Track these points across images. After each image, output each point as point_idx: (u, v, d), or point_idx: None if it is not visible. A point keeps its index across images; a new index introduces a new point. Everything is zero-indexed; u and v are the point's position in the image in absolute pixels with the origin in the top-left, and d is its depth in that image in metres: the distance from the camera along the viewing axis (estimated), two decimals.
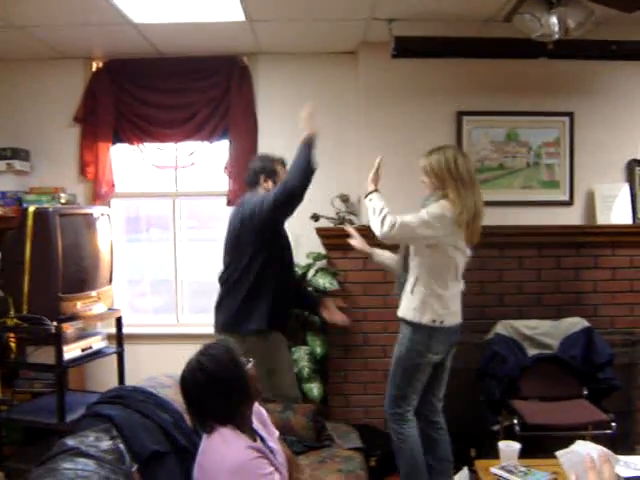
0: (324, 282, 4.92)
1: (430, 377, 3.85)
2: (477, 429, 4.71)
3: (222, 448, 2.48)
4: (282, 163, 4.22)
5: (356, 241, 4.31)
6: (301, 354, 4.89)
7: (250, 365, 2.62)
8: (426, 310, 3.72)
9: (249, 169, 4.29)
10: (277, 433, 2.92)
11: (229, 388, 2.53)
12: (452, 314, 3.82)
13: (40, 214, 4.28)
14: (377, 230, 3.67)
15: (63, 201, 5.16)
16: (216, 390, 2.51)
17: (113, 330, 4.95)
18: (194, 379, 2.55)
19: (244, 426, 2.59)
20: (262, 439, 2.71)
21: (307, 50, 5.31)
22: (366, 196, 3.85)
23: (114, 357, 4.88)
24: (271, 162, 4.20)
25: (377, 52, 4.93)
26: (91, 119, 5.35)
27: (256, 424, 2.73)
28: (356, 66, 5.25)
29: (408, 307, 3.79)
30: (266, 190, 4.12)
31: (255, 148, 5.33)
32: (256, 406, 2.75)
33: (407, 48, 4.61)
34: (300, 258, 5.16)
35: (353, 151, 5.29)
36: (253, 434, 2.65)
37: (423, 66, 5.03)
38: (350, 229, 4.42)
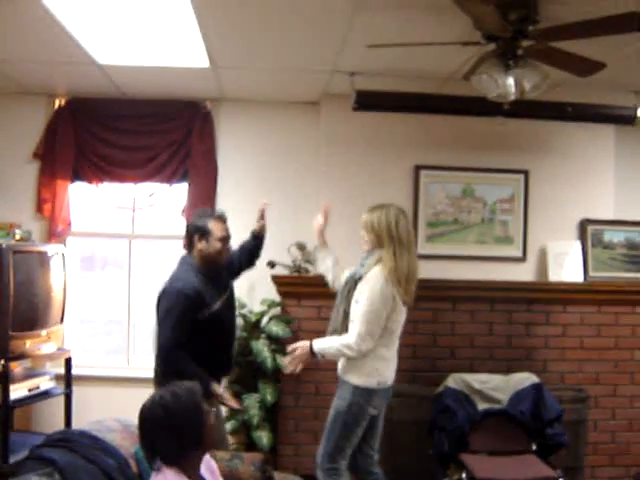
0: (277, 329, 4.91)
1: (365, 429, 3.83)
2: None
3: None
4: (219, 218, 3.89)
5: (318, 225, 4.34)
6: (252, 401, 4.86)
7: (211, 414, 2.60)
8: (372, 374, 3.71)
9: (185, 228, 3.97)
10: None
11: (183, 430, 2.50)
12: (392, 372, 3.84)
13: None
14: (353, 354, 3.68)
15: (18, 237, 5.10)
16: (169, 429, 2.48)
17: (62, 370, 4.87)
18: (151, 412, 2.52)
19: (191, 470, 2.56)
20: None
21: (270, 98, 5.38)
22: (313, 354, 3.75)
23: (62, 398, 4.80)
24: (205, 220, 3.83)
25: (339, 104, 5.00)
26: (50, 156, 5.32)
27: (204, 472, 2.70)
28: (318, 116, 5.33)
29: (352, 370, 3.75)
30: (200, 251, 3.80)
31: (214, 192, 5.36)
32: (206, 456, 2.72)
33: (368, 101, 4.69)
34: (255, 305, 5.16)
35: (312, 199, 5.32)
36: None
37: (383, 119, 5.11)
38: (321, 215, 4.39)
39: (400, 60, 4.32)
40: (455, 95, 4.62)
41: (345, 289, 3.82)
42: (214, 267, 3.85)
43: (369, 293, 3.64)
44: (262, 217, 4.29)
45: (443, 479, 4.57)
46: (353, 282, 3.77)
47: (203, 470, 2.68)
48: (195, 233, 3.81)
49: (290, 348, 3.79)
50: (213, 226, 3.80)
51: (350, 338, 3.63)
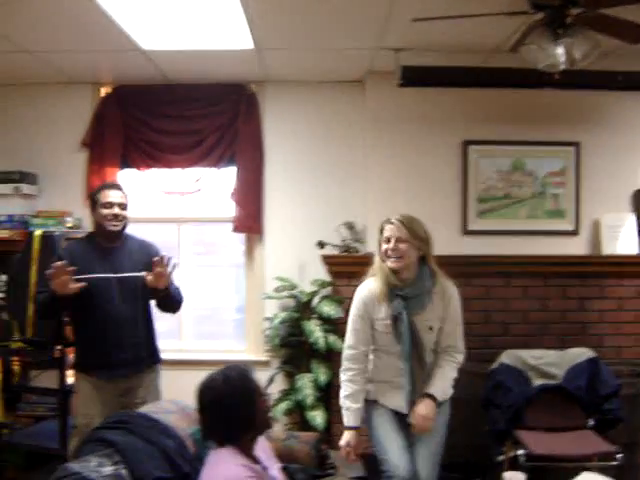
0: (329, 310, 4.91)
1: None
2: (481, 459, 4.67)
3: (218, 466, 2.50)
4: (108, 187, 4.00)
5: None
6: (305, 382, 4.87)
7: (266, 397, 2.61)
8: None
9: None
10: (278, 464, 2.90)
11: (232, 413, 2.52)
12: None
13: (46, 238, 4.31)
14: None
15: (69, 225, 5.17)
16: (220, 411, 2.53)
17: None
18: (204, 394, 2.59)
19: (245, 450, 2.58)
20: (264, 468, 2.69)
21: (315, 78, 5.35)
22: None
23: None
24: (96, 190, 4.00)
25: (384, 81, 4.96)
26: (99, 144, 5.38)
27: (258, 451, 2.71)
28: (363, 94, 5.28)
29: (447, 386, 3.56)
30: (93, 220, 4.00)
31: (261, 174, 5.37)
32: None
33: (414, 77, 4.63)
34: (305, 285, 5.17)
35: (360, 178, 5.30)
36: (254, 460, 2.63)
37: (429, 95, 5.05)
38: None
39: (445, 34, 4.26)
40: (503, 67, 4.54)
41: (406, 329, 3.42)
42: (106, 236, 3.90)
43: (459, 309, 3.56)
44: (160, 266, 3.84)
45: (499, 456, 4.53)
46: (410, 317, 3.44)
47: (258, 449, 2.70)
48: (90, 204, 3.94)
49: (417, 425, 3.40)
50: (100, 195, 3.88)
51: (459, 358, 3.55)
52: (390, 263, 3.45)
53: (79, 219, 5.34)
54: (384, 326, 3.46)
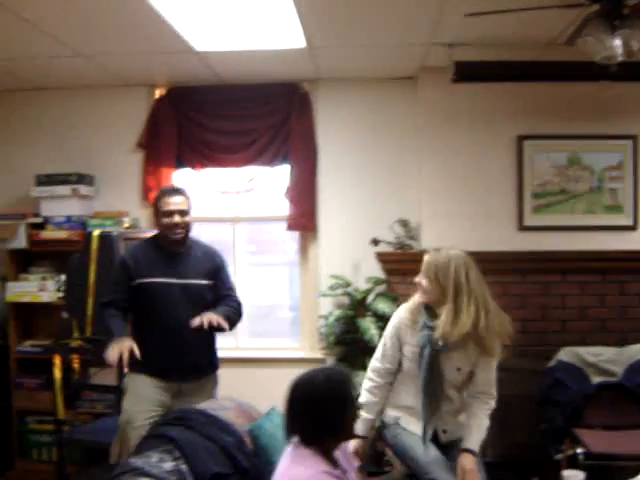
0: (383, 307, 4.91)
1: None
2: (539, 457, 4.62)
3: (299, 467, 2.45)
4: (166, 193, 3.91)
5: None
6: (360, 379, 4.86)
7: (358, 408, 2.57)
8: None
9: None
10: (356, 464, 2.88)
11: (325, 414, 2.49)
12: None
13: (105, 238, 4.39)
14: None
15: (126, 225, 5.25)
16: (311, 409, 2.49)
17: None
18: (295, 392, 2.54)
19: (326, 453, 2.53)
20: (343, 472, 2.64)
21: (366, 76, 5.34)
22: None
23: None
24: (157, 198, 3.90)
25: (436, 77, 4.92)
26: (154, 145, 5.46)
27: (338, 454, 2.67)
28: (415, 91, 5.26)
29: (483, 438, 3.41)
30: (157, 227, 3.92)
31: (315, 172, 5.39)
32: None
33: (467, 73, 4.59)
34: (359, 282, 5.17)
35: (413, 175, 5.28)
36: (334, 463, 2.58)
37: (483, 90, 5.01)
38: None
39: (499, 28, 4.21)
40: (558, 61, 4.48)
41: (425, 362, 3.35)
42: (169, 243, 3.82)
43: (494, 363, 3.46)
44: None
45: (557, 454, 4.48)
46: (434, 353, 3.33)
47: (338, 452, 2.66)
48: (154, 211, 3.89)
49: None
50: (160, 203, 3.81)
51: (492, 404, 3.46)
52: (418, 297, 3.43)
53: (136, 219, 5.43)
54: (411, 353, 3.41)
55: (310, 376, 2.56)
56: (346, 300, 5.16)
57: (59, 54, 4.62)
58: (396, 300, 4.96)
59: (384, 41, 4.55)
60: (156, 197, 3.92)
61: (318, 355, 5.35)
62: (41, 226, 5.28)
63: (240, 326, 5.63)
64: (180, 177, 5.56)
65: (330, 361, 5.24)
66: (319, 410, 2.47)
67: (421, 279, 3.36)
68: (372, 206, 5.34)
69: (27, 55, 4.67)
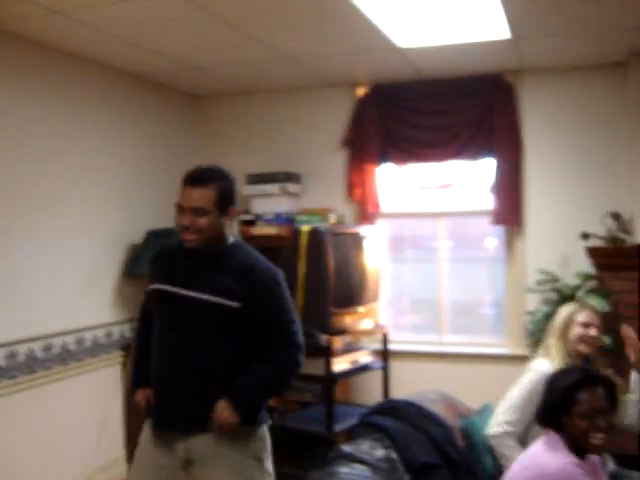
0: (595, 304, 4.69)
1: None
2: None
3: (547, 455, 2.47)
4: (182, 182, 2.75)
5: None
6: None
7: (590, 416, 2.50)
8: None
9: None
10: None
11: (544, 405, 2.62)
12: None
13: (314, 233, 4.53)
14: None
15: (332, 221, 5.40)
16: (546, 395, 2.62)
17: (376, 346, 5.10)
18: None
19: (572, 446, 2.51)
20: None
21: (570, 64, 5.15)
22: None
23: (376, 371, 5.02)
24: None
25: None
26: (358, 142, 5.58)
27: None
28: (624, 77, 5.01)
29: None
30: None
31: (520, 165, 5.28)
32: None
33: None
34: (568, 278, 4.99)
35: (624, 166, 5.03)
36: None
37: None
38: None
39: None
40: None
41: None
42: (186, 243, 2.72)
43: None
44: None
45: None
46: None
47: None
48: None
49: None
50: (179, 195, 2.73)
51: None
52: (584, 348, 3.33)
53: (342, 215, 5.58)
54: None
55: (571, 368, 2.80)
56: (554, 296, 5.00)
57: (265, 58, 4.85)
58: (608, 296, 4.74)
59: (591, 28, 4.35)
60: None
61: (524, 352, 5.22)
62: (252, 222, 5.56)
63: (443, 321, 5.64)
64: (384, 172, 5.64)
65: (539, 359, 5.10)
66: (547, 391, 2.62)
67: (598, 334, 3.37)
68: (580, 199, 5.15)
69: (237, 61, 4.95)
